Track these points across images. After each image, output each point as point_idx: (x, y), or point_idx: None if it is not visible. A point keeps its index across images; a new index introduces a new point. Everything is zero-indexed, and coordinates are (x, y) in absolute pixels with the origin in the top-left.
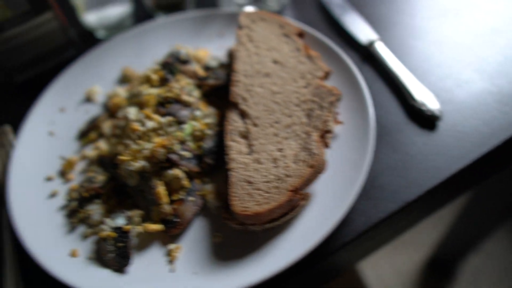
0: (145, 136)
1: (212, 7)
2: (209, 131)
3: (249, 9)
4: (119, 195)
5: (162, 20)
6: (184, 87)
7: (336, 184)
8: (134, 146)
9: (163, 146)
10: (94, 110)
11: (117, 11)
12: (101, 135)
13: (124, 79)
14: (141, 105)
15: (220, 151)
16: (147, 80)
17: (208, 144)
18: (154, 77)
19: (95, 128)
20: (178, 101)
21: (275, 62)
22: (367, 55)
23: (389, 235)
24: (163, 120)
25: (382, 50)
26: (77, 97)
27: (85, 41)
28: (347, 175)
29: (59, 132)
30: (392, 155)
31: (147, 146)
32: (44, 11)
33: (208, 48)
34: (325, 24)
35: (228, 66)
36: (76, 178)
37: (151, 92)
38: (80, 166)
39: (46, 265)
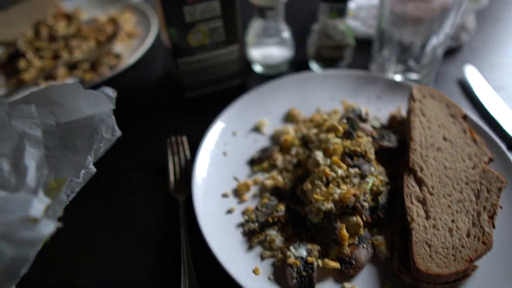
0: (334, 181)
1: (362, 68)
2: (382, 187)
3: (398, 78)
4: (294, 226)
5: (325, 72)
6: (366, 143)
7: (500, 262)
8: (324, 189)
9: (354, 195)
10: (261, 140)
11: (280, 53)
12: (272, 166)
13: (289, 118)
14: (325, 151)
15: (389, 208)
16: (332, 129)
17: (383, 199)
18: (340, 128)
19: (267, 158)
20: (363, 155)
21: (445, 139)
22: None
23: None
24: (352, 171)
25: None
26: (247, 125)
27: (244, 72)
28: (510, 256)
29: (231, 153)
30: None
31: (338, 191)
32: (234, 43)
33: (368, 107)
34: (467, 104)
35: (388, 128)
36: (249, 200)
37: (337, 142)
38: (252, 189)
39: (238, 279)
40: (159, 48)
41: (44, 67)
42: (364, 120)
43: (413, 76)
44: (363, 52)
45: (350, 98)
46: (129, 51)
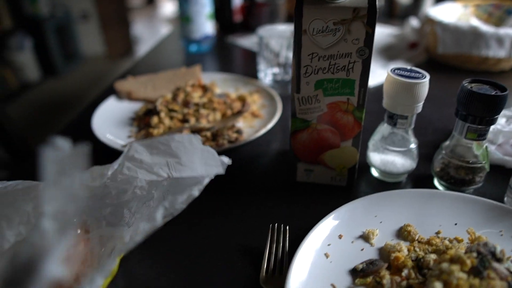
0: None
1: (494, 198)
2: None
3: None
4: None
5: (451, 193)
6: None
7: None
8: None
9: None
10: (369, 251)
11: (403, 163)
12: (377, 283)
13: (402, 234)
14: (446, 284)
15: None
16: (457, 261)
17: None
18: (468, 262)
19: (373, 273)
20: None
21: None
22: None
23: None
24: None
25: None
26: (356, 231)
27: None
28: None
29: (334, 257)
30: None
31: None
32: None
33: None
34: None
35: None
36: None
37: (462, 277)
38: None
39: None
40: (279, 130)
41: (172, 127)
42: (499, 260)
43: None
44: (496, 180)
45: (478, 229)
46: (250, 129)
